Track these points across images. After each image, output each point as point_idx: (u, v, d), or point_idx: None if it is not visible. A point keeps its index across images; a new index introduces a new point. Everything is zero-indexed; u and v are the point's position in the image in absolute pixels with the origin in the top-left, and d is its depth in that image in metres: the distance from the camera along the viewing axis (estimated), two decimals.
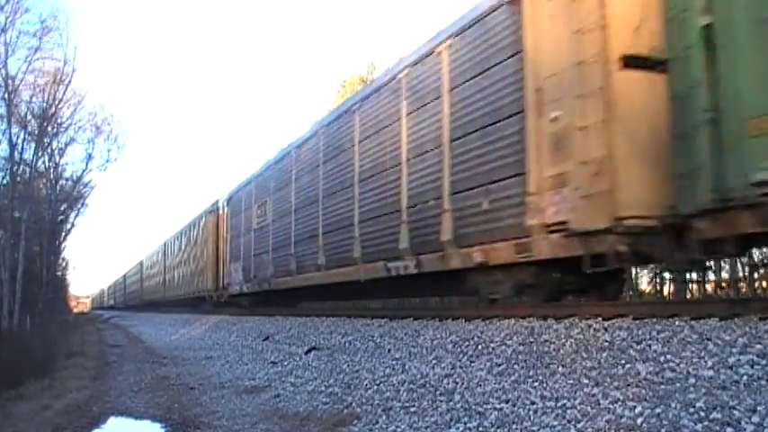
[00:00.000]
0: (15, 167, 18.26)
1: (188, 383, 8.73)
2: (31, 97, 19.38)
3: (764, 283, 8.76)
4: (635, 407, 3.62)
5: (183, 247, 26.62)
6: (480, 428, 4.25)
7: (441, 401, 4.96)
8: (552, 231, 5.84)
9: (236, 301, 17.66)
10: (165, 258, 31.64)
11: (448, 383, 5.25)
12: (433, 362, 5.95)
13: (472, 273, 7.40)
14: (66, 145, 22.97)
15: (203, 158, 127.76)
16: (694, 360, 3.85)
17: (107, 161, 24.10)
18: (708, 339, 4.02)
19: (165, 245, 32.12)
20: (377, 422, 5.05)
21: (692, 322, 4.39)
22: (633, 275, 10.30)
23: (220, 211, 20.13)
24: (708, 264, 6.40)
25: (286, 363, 8.59)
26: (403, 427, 4.78)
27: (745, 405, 3.22)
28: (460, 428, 4.36)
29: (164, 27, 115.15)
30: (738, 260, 8.30)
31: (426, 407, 4.97)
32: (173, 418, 6.49)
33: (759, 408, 3.16)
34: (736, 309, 4.45)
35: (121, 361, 12.65)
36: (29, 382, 9.10)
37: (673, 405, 3.47)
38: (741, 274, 9.10)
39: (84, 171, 24.34)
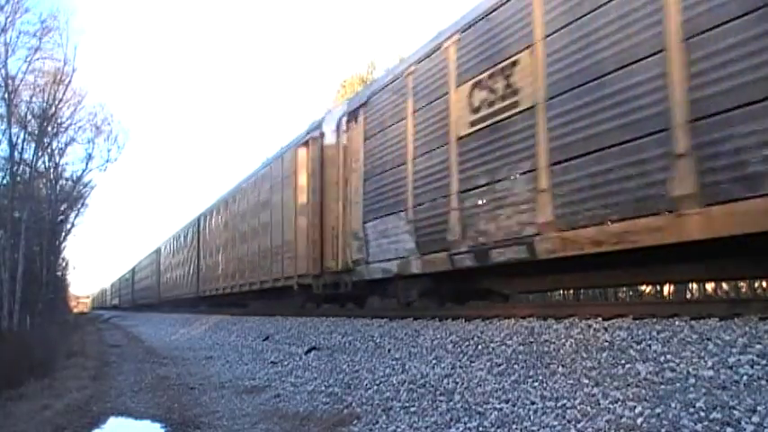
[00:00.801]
0: (15, 167, 18.26)
1: (188, 383, 8.73)
2: (31, 97, 19.43)
3: (764, 283, 8.76)
4: (635, 407, 3.63)
5: (236, 217, 17.98)
6: (480, 428, 4.25)
7: (441, 401, 4.96)
8: None
9: (378, 290, 9.52)
10: (198, 239, 23.08)
11: (448, 383, 5.25)
12: (433, 362, 5.95)
13: None
14: (67, 145, 23.06)
15: (203, 158, 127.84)
16: (694, 360, 3.85)
17: (107, 161, 24.18)
18: (708, 339, 4.02)
19: (198, 221, 23.46)
20: (377, 422, 5.05)
21: (692, 322, 4.38)
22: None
23: (328, 139, 11.04)
24: None
25: (286, 363, 8.59)
26: (403, 426, 4.78)
27: (745, 405, 3.22)
28: (460, 428, 4.36)
29: (164, 27, 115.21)
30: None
31: (426, 407, 4.97)
32: (173, 418, 6.49)
33: (759, 408, 3.16)
34: (737, 309, 4.45)
35: (121, 361, 12.64)
36: (29, 382, 9.09)
37: (673, 405, 3.47)
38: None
39: (84, 171, 24.42)
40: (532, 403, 4.26)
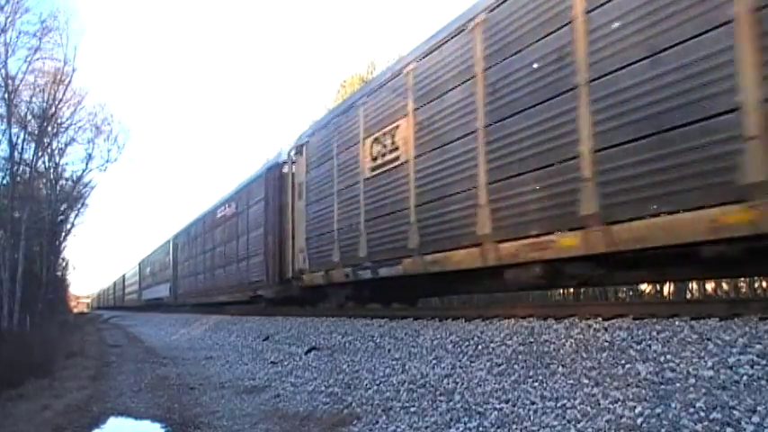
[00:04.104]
0: (15, 167, 18.24)
1: (188, 383, 8.73)
2: (31, 97, 19.37)
3: (764, 284, 8.76)
4: (635, 407, 3.63)
5: None
6: (480, 428, 4.25)
7: (441, 401, 4.96)
8: None
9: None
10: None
11: (448, 383, 5.25)
12: (433, 362, 5.95)
13: None
14: (67, 145, 22.99)
15: (203, 157, 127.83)
16: (694, 360, 3.85)
17: (107, 161, 24.06)
18: (708, 339, 4.02)
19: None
20: (377, 422, 5.05)
21: (692, 322, 4.39)
22: None
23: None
24: None
25: (286, 363, 8.59)
26: (403, 427, 4.78)
27: (745, 405, 3.22)
28: (460, 428, 4.36)
29: (165, 27, 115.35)
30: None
31: (426, 407, 4.97)
32: (173, 418, 6.49)
33: (759, 408, 3.16)
34: (737, 309, 4.44)
35: (121, 361, 12.64)
36: (29, 382, 9.09)
37: (673, 405, 3.47)
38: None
39: (84, 171, 24.34)
40: (532, 403, 4.26)
